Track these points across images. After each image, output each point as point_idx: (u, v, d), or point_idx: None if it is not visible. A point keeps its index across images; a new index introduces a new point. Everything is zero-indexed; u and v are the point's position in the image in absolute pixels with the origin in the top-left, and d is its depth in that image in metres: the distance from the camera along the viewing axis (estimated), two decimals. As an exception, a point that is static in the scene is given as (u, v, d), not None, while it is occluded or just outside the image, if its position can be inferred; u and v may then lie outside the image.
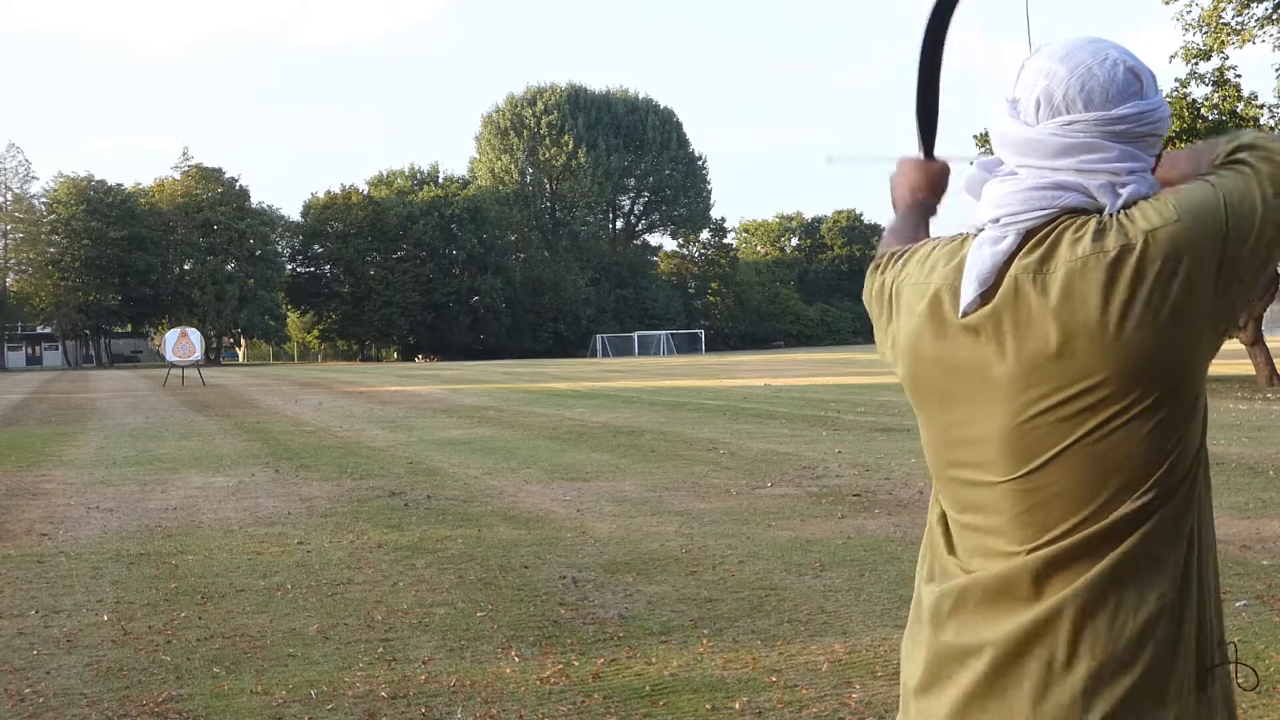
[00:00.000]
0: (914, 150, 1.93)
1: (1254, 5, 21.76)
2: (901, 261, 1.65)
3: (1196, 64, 22.17)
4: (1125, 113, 1.46)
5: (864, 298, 1.76)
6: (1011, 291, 1.45)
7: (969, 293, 1.47)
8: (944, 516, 1.60)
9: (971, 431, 1.52)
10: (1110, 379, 1.40)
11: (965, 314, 1.48)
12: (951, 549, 1.58)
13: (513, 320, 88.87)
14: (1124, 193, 1.45)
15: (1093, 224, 1.43)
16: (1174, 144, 20.98)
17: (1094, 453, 1.43)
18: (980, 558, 1.53)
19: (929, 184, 1.90)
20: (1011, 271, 1.46)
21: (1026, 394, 1.46)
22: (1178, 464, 1.44)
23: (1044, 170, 1.48)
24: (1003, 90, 1.55)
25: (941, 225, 1.85)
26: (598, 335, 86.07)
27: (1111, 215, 1.44)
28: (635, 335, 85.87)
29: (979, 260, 1.47)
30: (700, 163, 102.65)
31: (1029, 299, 1.44)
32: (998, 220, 1.48)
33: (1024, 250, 1.46)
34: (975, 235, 1.52)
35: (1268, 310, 22.76)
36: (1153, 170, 1.51)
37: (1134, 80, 1.48)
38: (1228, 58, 22.18)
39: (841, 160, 2.05)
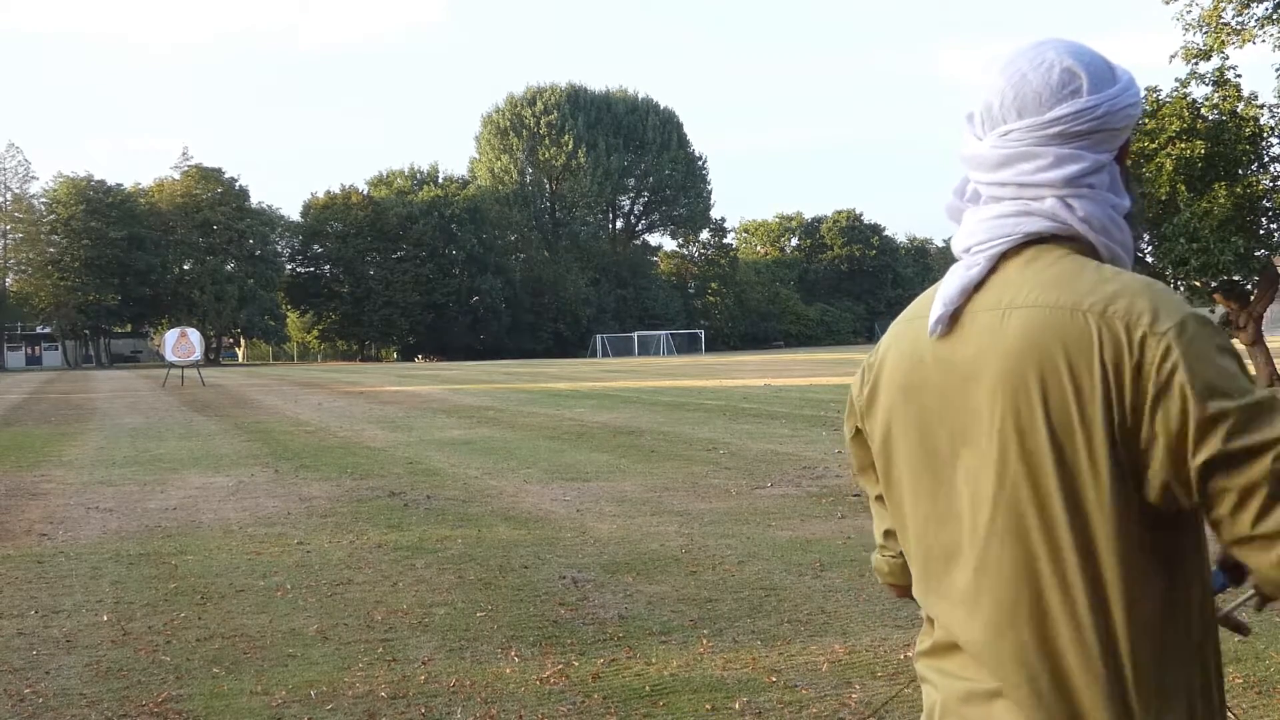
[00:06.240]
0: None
1: (1254, 5, 21.75)
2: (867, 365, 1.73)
3: (1196, 64, 22.15)
4: (1060, 113, 1.44)
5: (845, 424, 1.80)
6: (972, 321, 1.46)
7: (936, 312, 1.49)
8: None
9: None
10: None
11: (933, 333, 1.50)
12: None
13: (513, 320, 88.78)
14: (1076, 205, 1.44)
15: (1060, 257, 1.44)
16: (1174, 143, 20.97)
17: None
18: None
19: None
20: (975, 304, 1.47)
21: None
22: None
23: (992, 186, 1.49)
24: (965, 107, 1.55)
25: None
26: (597, 335, 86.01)
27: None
28: (635, 335, 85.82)
29: (950, 285, 1.50)
30: (700, 163, 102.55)
31: (981, 331, 1.45)
32: (969, 249, 1.50)
33: (988, 280, 1.47)
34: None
35: (1268, 310, 22.75)
36: (1118, 158, 1.49)
37: (1072, 78, 1.45)
38: (1228, 58, 22.18)
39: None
